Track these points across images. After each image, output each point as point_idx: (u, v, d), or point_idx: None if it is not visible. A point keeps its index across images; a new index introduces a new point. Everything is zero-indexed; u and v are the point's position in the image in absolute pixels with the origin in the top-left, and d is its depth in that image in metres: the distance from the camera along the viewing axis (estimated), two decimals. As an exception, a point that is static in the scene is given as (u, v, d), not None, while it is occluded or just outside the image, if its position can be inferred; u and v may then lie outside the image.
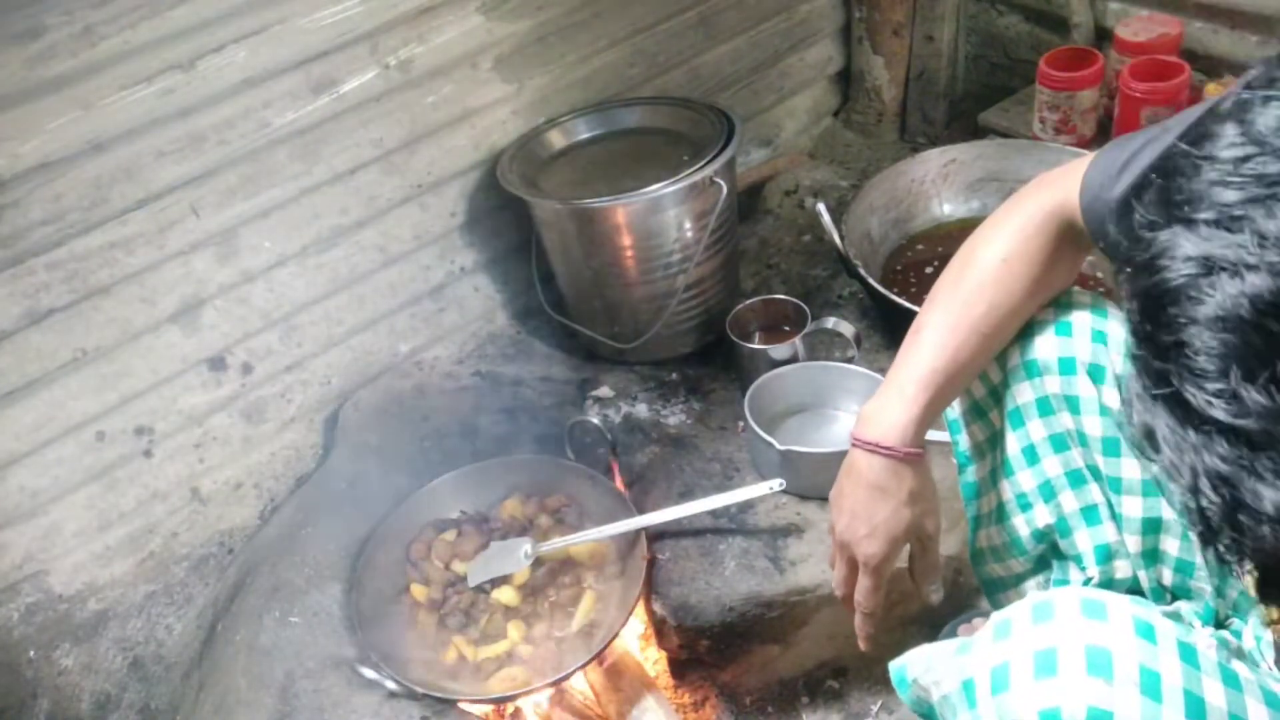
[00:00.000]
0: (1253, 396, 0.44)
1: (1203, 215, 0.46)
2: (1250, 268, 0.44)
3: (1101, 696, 0.66)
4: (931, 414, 0.96)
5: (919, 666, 0.80)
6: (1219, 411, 0.45)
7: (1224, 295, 0.45)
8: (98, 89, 1.34)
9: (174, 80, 1.39)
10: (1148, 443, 0.50)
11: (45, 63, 1.29)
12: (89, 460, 1.51)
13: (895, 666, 0.83)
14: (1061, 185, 0.92)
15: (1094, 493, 0.98)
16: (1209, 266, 0.45)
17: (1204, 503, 0.48)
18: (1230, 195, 0.45)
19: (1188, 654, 0.68)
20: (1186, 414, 0.47)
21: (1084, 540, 0.99)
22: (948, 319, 0.95)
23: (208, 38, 1.40)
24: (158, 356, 1.52)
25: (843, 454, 1.39)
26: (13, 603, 1.50)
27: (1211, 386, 0.45)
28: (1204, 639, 0.71)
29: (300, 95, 1.51)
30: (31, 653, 1.48)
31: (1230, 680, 0.68)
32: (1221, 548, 0.49)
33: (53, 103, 1.31)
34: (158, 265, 1.47)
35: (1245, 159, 0.45)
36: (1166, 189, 0.49)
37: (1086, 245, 0.95)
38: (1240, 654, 0.72)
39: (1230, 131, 0.47)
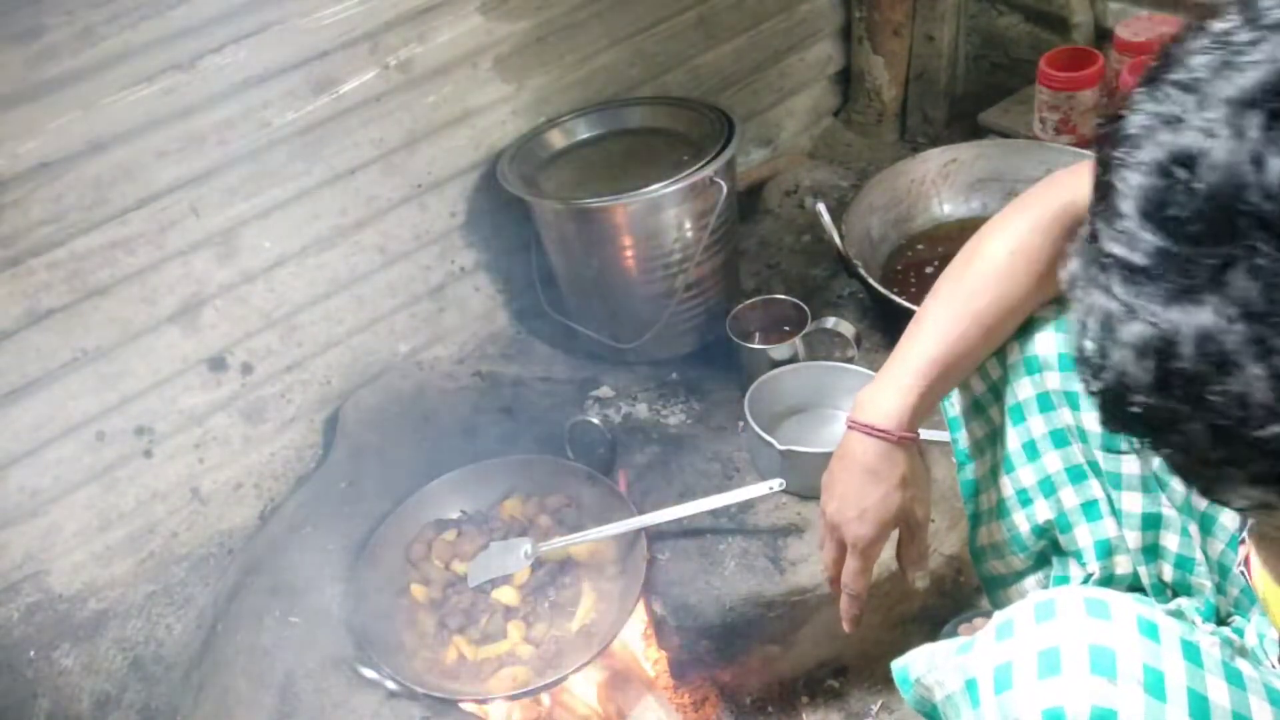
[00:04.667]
0: (1144, 235, 0.45)
1: (1171, 76, 0.47)
2: (1182, 124, 0.45)
3: (1105, 695, 0.66)
4: (928, 401, 0.97)
5: (921, 666, 0.80)
6: (1117, 247, 0.46)
7: (1155, 144, 0.46)
8: (98, 89, 1.34)
9: (174, 80, 1.39)
10: (1069, 288, 0.51)
11: (45, 63, 1.29)
12: (89, 460, 1.51)
13: (898, 666, 0.83)
14: (1070, 185, 0.92)
15: (1094, 488, 0.98)
16: (1161, 120, 0.46)
17: (1087, 341, 0.49)
18: (1197, 60, 0.46)
19: (1191, 652, 0.68)
20: (1095, 253, 0.48)
21: (1084, 536, 0.99)
22: (950, 309, 0.96)
23: (208, 38, 1.39)
24: (158, 356, 1.52)
25: (843, 454, 1.40)
26: (13, 603, 1.49)
27: (1118, 224, 0.46)
28: (1207, 638, 0.71)
29: (300, 95, 1.51)
30: (31, 653, 1.48)
31: (1234, 678, 0.68)
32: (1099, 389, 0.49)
33: (53, 103, 1.31)
34: (158, 265, 1.47)
35: (1227, 31, 0.46)
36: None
37: None
38: (1244, 652, 0.72)
39: (1232, 13, 0.47)
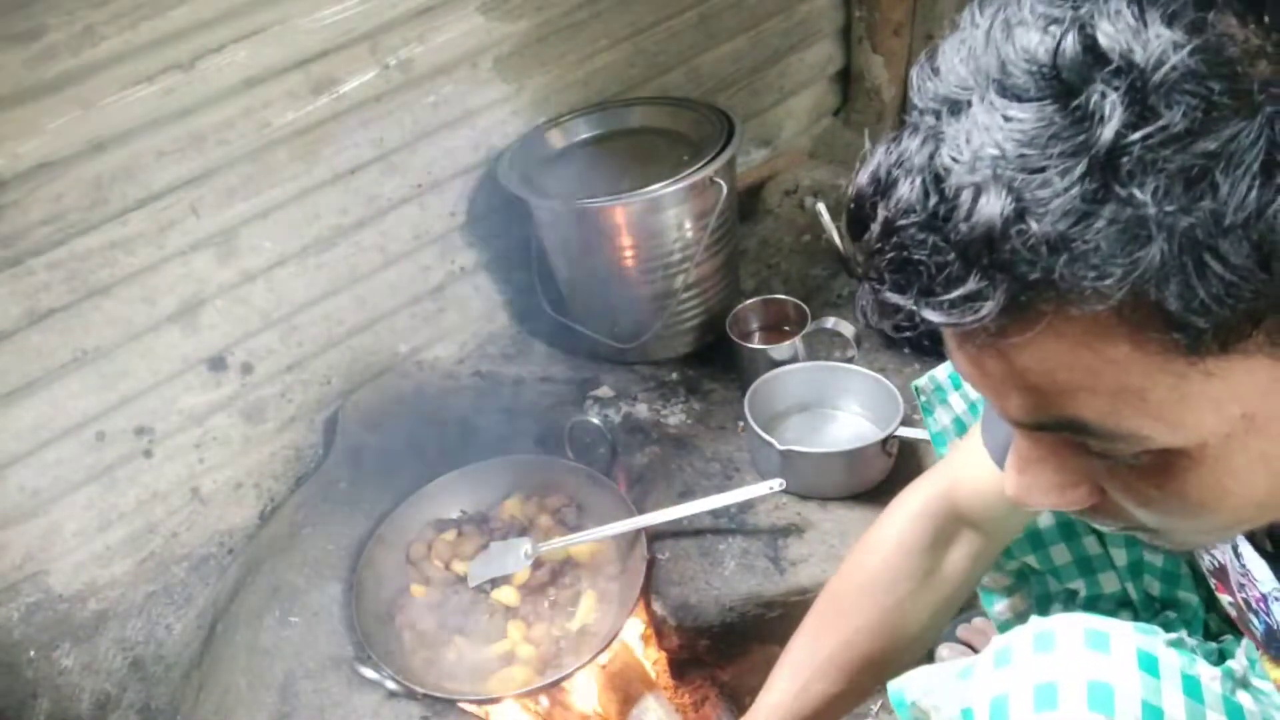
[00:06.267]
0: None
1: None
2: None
3: None
4: None
5: (918, 689, 0.79)
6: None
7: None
8: (98, 89, 1.34)
9: (174, 80, 1.39)
10: None
11: (45, 63, 1.29)
12: (89, 460, 1.51)
13: (894, 688, 0.82)
14: (938, 474, 0.92)
15: None
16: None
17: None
18: None
19: (1191, 687, 0.67)
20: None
21: (1060, 554, 0.99)
22: (801, 651, 0.95)
23: (208, 38, 1.40)
24: (158, 356, 1.52)
25: (842, 454, 1.41)
26: (13, 603, 1.50)
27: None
28: (1209, 670, 0.70)
29: (300, 95, 1.51)
30: (31, 653, 1.48)
31: (1234, 713, 0.67)
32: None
33: (53, 103, 1.31)
34: (158, 265, 1.47)
35: None
36: None
37: (980, 532, 0.94)
38: (1244, 684, 0.72)
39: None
